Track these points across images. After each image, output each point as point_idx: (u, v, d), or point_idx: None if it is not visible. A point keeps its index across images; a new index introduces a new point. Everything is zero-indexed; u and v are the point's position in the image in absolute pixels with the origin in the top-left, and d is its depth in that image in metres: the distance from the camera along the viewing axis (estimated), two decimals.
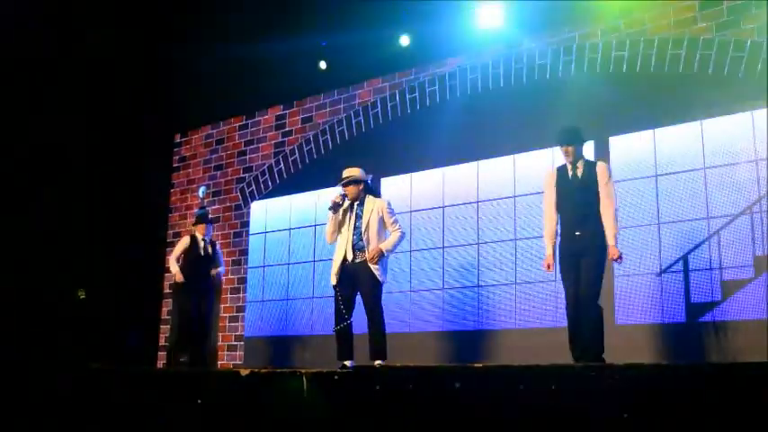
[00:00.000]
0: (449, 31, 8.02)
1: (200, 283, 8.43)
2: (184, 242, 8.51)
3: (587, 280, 5.59)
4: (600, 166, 5.76)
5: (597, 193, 5.66)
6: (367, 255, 6.21)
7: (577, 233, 5.66)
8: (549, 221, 5.89)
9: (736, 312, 6.30)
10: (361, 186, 6.41)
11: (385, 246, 6.25)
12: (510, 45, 7.83)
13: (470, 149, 7.91)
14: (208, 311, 8.68)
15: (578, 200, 5.73)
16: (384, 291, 6.28)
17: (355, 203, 6.38)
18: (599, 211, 5.64)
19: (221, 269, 8.89)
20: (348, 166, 6.46)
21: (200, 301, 8.43)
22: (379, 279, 6.20)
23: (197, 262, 8.43)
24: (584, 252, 5.63)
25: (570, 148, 5.78)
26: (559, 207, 5.84)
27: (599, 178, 5.68)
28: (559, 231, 5.82)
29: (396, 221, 6.39)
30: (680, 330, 6.53)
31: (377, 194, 6.53)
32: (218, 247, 8.88)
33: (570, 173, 5.82)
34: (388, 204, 6.41)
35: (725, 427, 3.41)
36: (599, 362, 5.26)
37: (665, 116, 6.85)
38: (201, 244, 8.47)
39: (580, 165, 5.79)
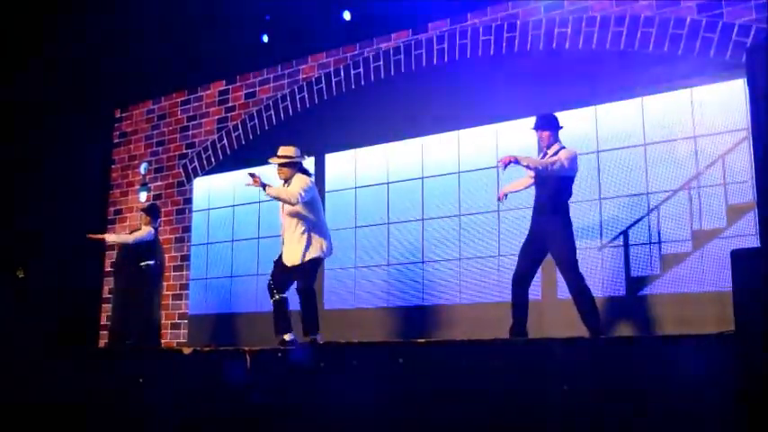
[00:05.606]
0: (393, 5, 7.96)
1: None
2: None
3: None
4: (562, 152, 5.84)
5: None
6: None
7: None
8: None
9: (675, 286, 6.44)
10: (295, 166, 6.34)
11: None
12: (455, 21, 7.82)
13: (415, 126, 7.89)
14: None
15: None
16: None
17: (285, 183, 6.33)
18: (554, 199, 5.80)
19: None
20: (283, 145, 6.40)
21: None
22: (300, 259, 6.14)
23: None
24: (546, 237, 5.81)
25: (543, 134, 5.95)
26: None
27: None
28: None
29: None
30: (620, 304, 6.65)
31: (308, 173, 6.43)
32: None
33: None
34: (309, 182, 6.28)
35: (659, 396, 3.49)
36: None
37: (607, 93, 6.92)
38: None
39: (551, 151, 5.91)
